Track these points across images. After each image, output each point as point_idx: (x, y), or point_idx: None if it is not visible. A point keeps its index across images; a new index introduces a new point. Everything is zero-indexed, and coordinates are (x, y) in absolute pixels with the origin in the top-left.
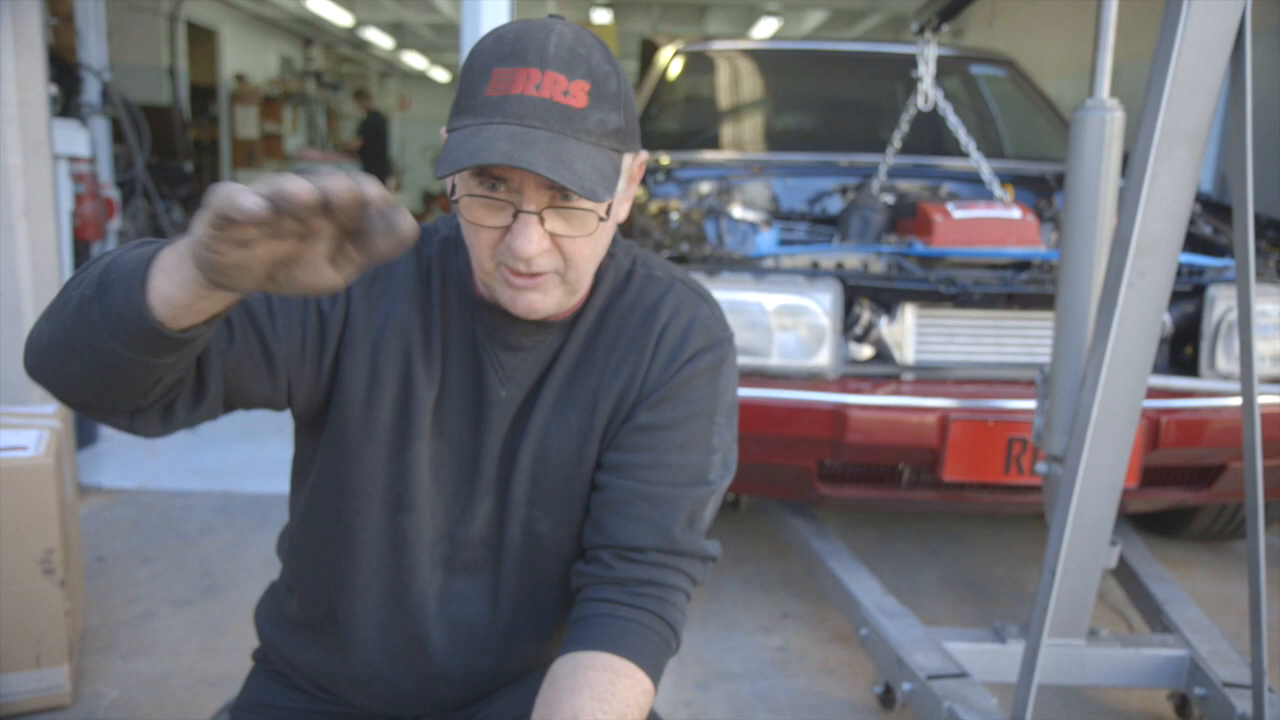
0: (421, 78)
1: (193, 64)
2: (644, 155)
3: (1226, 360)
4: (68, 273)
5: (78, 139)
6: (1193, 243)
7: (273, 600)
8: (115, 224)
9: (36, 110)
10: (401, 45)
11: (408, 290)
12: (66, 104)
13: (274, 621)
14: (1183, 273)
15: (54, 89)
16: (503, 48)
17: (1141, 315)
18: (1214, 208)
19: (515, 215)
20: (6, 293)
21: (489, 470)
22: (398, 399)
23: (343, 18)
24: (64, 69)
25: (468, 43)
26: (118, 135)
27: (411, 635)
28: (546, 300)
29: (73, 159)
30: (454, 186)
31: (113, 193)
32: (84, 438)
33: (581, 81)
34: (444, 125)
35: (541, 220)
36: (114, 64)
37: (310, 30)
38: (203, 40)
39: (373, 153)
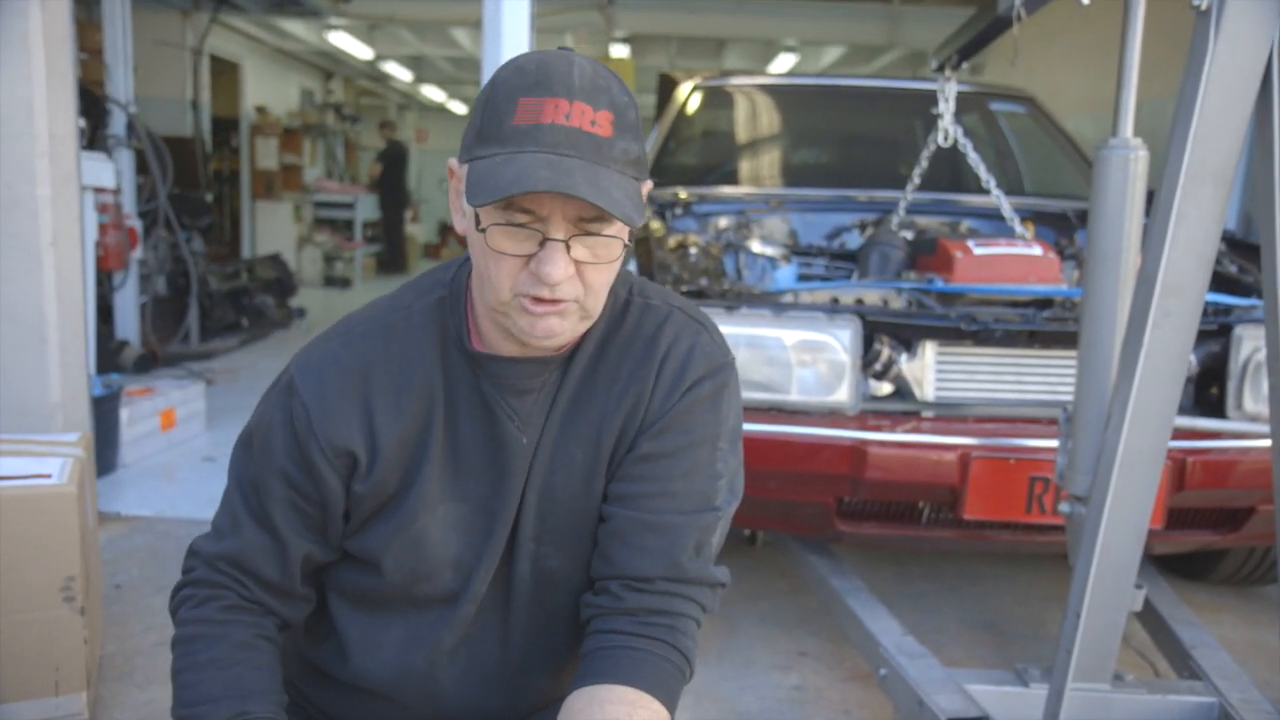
0: (440, 110)
1: (215, 96)
2: (649, 184)
3: (1254, 401)
4: (90, 303)
5: (104, 171)
6: (1219, 282)
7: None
8: (137, 253)
9: (66, 144)
10: (420, 78)
11: (420, 386)
12: (93, 136)
13: (285, 655)
14: (1209, 312)
15: (82, 122)
16: (526, 78)
17: (1167, 355)
18: (1240, 246)
19: (543, 243)
20: (33, 323)
21: (505, 513)
22: (403, 480)
23: (363, 51)
24: (92, 102)
25: (487, 76)
26: (141, 166)
27: (424, 679)
28: (564, 324)
29: (98, 190)
30: (478, 217)
31: (135, 223)
32: (103, 465)
33: (606, 112)
34: (455, 157)
35: (568, 248)
36: (139, 97)
37: (331, 64)
38: (225, 73)
39: (391, 182)
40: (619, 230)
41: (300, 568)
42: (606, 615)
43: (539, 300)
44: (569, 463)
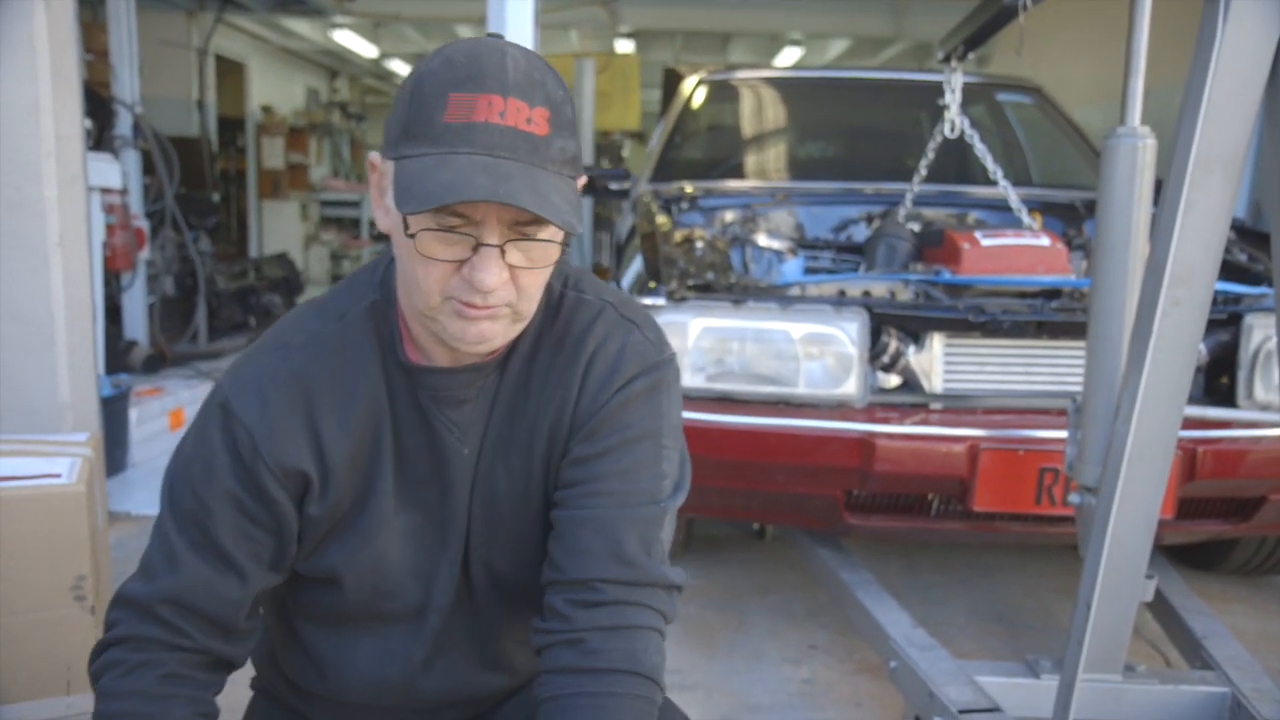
0: None
1: (221, 96)
2: (584, 179)
3: (1265, 390)
4: (99, 303)
5: (110, 171)
6: (1228, 270)
7: (265, 649)
8: (144, 254)
9: (72, 144)
10: None
11: (365, 400)
12: (100, 137)
13: (267, 662)
14: (1218, 301)
15: (88, 123)
16: (456, 70)
17: (1176, 344)
18: (1249, 234)
19: (476, 248)
20: (41, 323)
21: (456, 523)
22: (357, 500)
23: (368, 50)
24: (98, 103)
25: None
26: (148, 167)
27: (402, 691)
28: (496, 328)
29: (105, 190)
30: (406, 221)
31: (143, 223)
32: (113, 465)
33: (542, 108)
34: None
35: (503, 252)
36: (145, 98)
37: (336, 63)
38: (231, 73)
39: None
40: (555, 233)
41: (252, 599)
42: (558, 647)
43: (470, 305)
44: (509, 470)
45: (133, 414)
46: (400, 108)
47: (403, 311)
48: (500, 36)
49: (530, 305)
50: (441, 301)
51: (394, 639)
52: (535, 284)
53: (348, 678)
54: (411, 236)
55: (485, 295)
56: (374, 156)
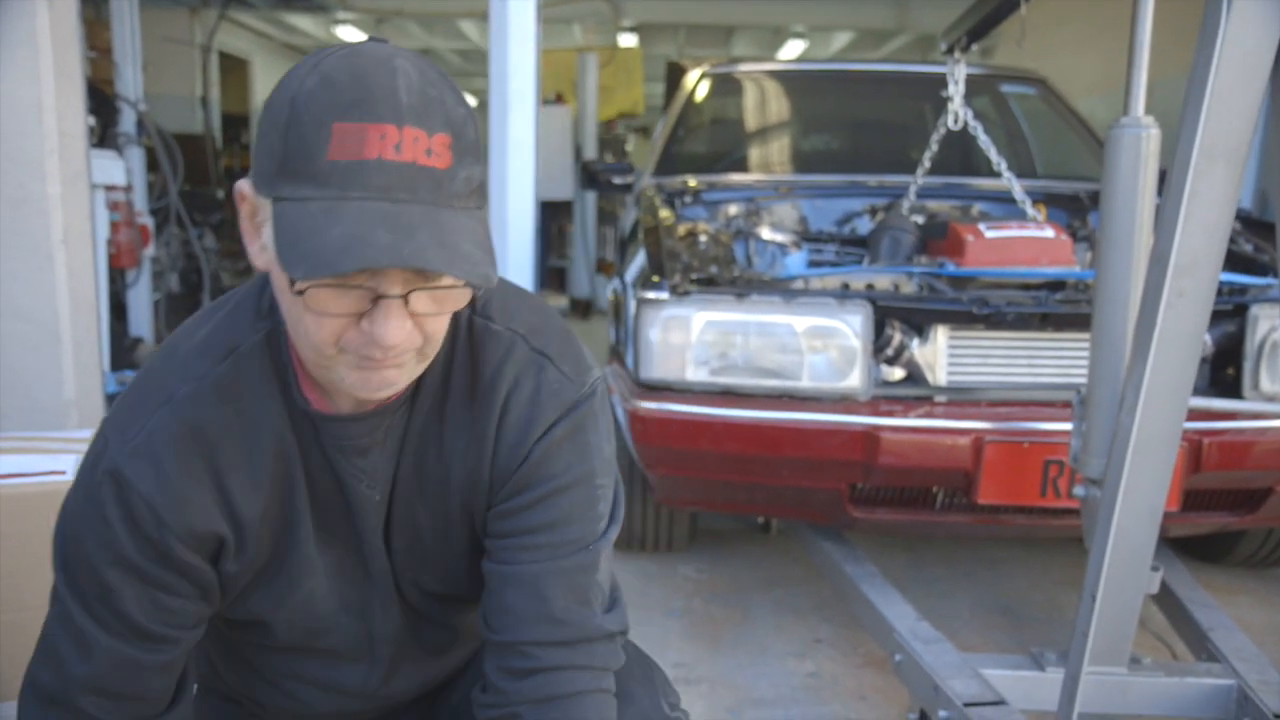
0: None
1: (225, 93)
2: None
3: (1270, 381)
4: (104, 300)
5: (114, 168)
6: (1233, 261)
7: (205, 659)
8: (149, 251)
9: (76, 141)
10: None
11: (272, 448)
12: (104, 134)
13: (208, 668)
14: (1223, 291)
15: (92, 120)
16: (339, 94)
17: (1181, 335)
18: (1255, 225)
19: (375, 300)
20: (45, 320)
21: (378, 559)
22: (276, 550)
23: None
24: (102, 100)
25: (495, 68)
26: (152, 164)
27: (361, 701)
28: (401, 375)
29: (109, 188)
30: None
31: (147, 220)
32: None
33: (442, 134)
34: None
35: (406, 301)
36: (149, 95)
37: None
38: (235, 70)
39: None
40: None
41: (185, 658)
42: None
43: (371, 359)
44: (428, 508)
45: None
46: (272, 135)
47: (296, 350)
48: (385, 41)
49: (437, 346)
50: (337, 353)
51: (342, 669)
52: (443, 326)
53: (303, 696)
54: (300, 292)
55: (387, 350)
56: (243, 186)
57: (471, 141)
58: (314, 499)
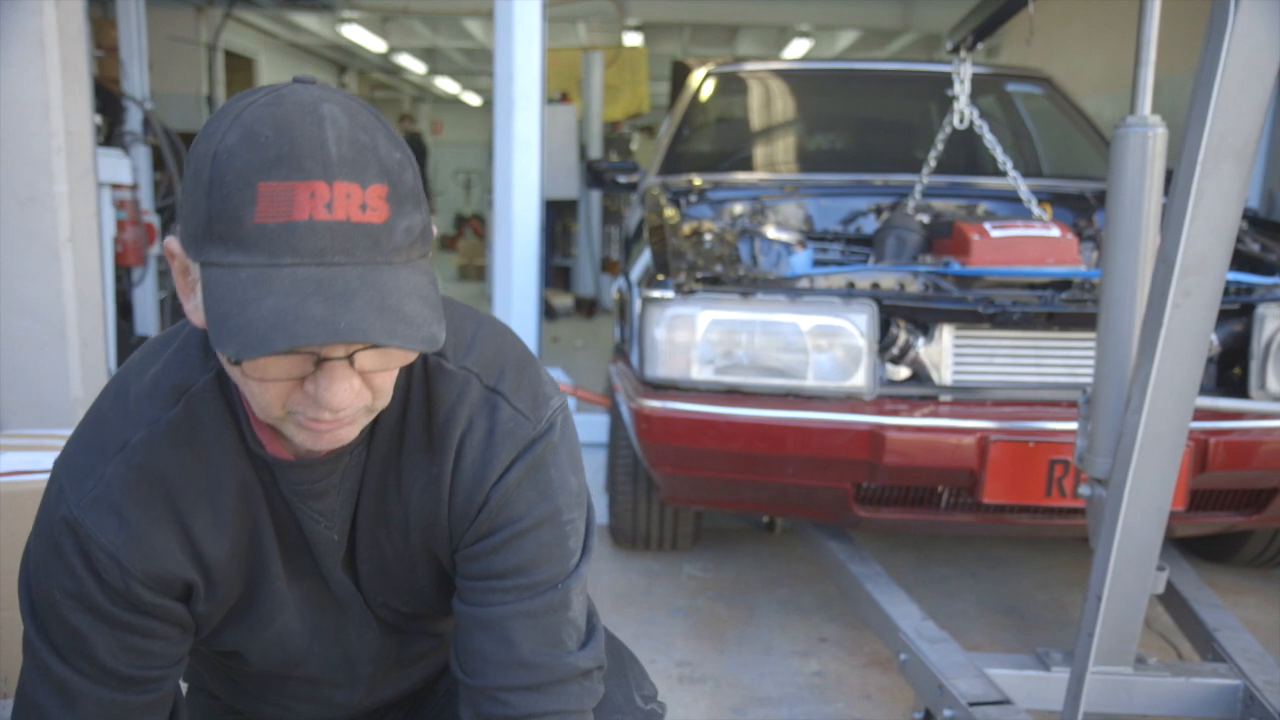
0: (454, 102)
1: (230, 92)
2: (434, 231)
3: (1277, 381)
4: (110, 298)
5: (120, 167)
6: (1240, 260)
7: (191, 669)
8: (155, 249)
9: (82, 140)
10: (434, 70)
11: (235, 490)
12: (110, 133)
13: (193, 675)
14: (1230, 291)
15: (98, 119)
16: (263, 151)
17: (1187, 335)
18: (1262, 224)
19: (318, 363)
20: (52, 318)
21: (344, 588)
22: (247, 589)
23: (376, 44)
24: (108, 99)
25: (501, 68)
26: (158, 163)
27: (346, 712)
28: (352, 431)
29: (115, 186)
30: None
31: (153, 219)
32: None
33: (377, 185)
34: (192, 243)
35: (352, 361)
36: (155, 93)
37: (345, 57)
38: (240, 69)
39: None
40: None
41: (173, 688)
42: None
43: (318, 421)
44: (391, 542)
45: None
46: (196, 194)
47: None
48: (312, 80)
49: (387, 398)
50: (285, 415)
51: (323, 691)
52: (391, 380)
53: (289, 706)
54: (237, 361)
55: (336, 411)
56: (172, 245)
57: (410, 188)
58: (280, 536)
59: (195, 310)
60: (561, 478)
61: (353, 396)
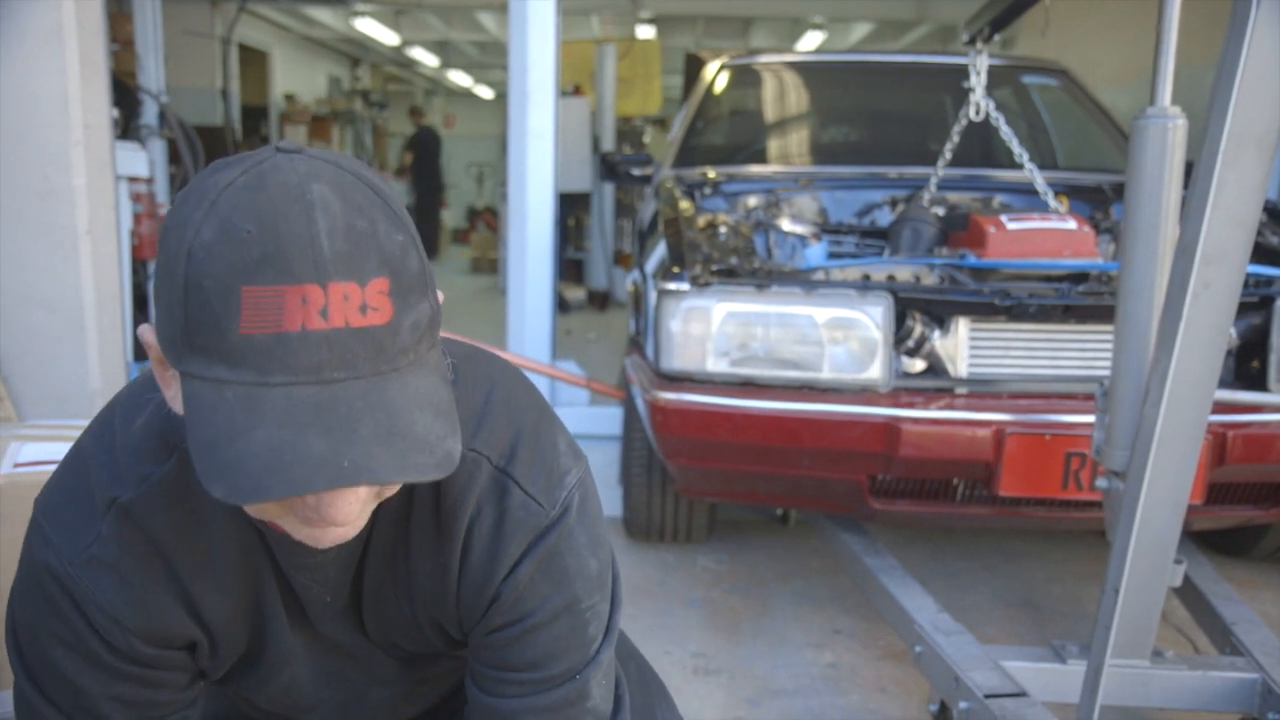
0: (467, 95)
1: (244, 85)
2: (440, 308)
3: None
4: (128, 291)
5: (137, 160)
6: (1260, 253)
7: None
8: None
9: (100, 133)
10: (447, 64)
11: (235, 550)
12: (126, 126)
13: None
14: (1250, 283)
15: (115, 112)
16: (244, 250)
17: (1207, 327)
18: None
19: None
20: (71, 310)
21: (349, 638)
22: (253, 642)
23: (390, 37)
24: (124, 93)
25: (515, 61)
26: (174, 156)
27: None
28: (359, 527)
29: (132, 179)
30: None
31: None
32: None
33: (378, 280)
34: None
35: None
36: (171, 87)
37: (358, 50)
38: (254, 62)
39: (424, 169)
40: None
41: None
42: None
43: (322, 523)
44: (397, 612)
45: None
46: (170, 295)
47: None
48: (297, 148)
49: (393, 492)
50: (284, 514)
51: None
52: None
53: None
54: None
55: (341, 525)
56: (148, 335)
57: (415, 274)
58: (283, 591)
59: (175, 399)
60: (579, 564)
61: (359, 509)
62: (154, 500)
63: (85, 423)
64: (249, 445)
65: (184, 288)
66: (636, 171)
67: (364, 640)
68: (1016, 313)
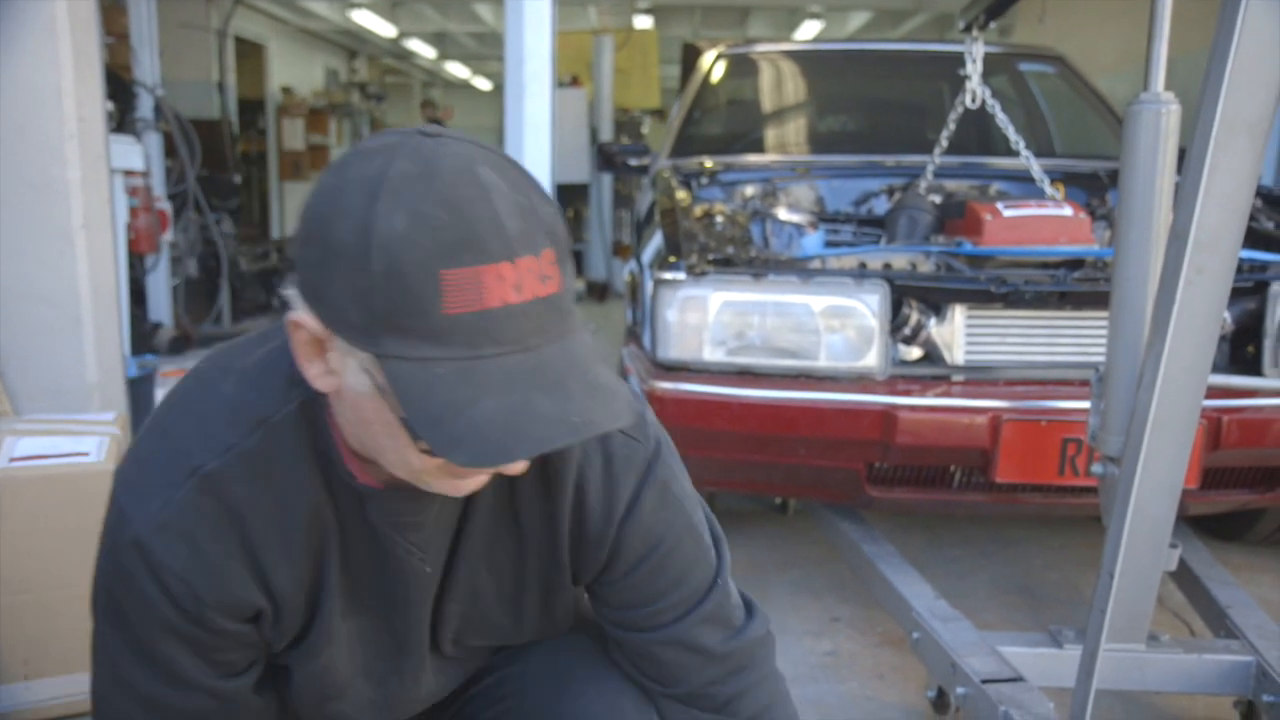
0: (465, 86)
1: (241, 78)
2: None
3: None
4: (124, 284)
5: (132, 154)
6: (1254, 238)
7: None
8: (168, 236)
9: (94, 126)
10: (444, 55)
11: (309, 525)
12: (122, 120)
13: None
14: (1243, 268)
15: (110, 105)
16: (440, 235)
17: (1200, 312)
18: (1276, 201)
19: None
20: (67, 304)
21: (416, 629)
22: (305, 619)
23: (386, 29)
24: (119, 86)
25: (511, 52)
26: (170, 149)
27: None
28: (486, 476)
29: (128, 173)
30: (412, 429)
31: (165, 205)
32: None
33: (548, 251)
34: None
35: None
36: (166, 80)
37: (355, 42)
38: (251, 55)
39: None
40: None
41: (259, 683)
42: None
43: (460, 475)
44: (496, 577)
45: (158, 394)
46: (359, 281)
47: (340, 427)
48: (440, 130)
49: None
50: (436, 471)
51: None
52: None
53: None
54: (426, 451)
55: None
56: (304, 319)
57: (563, 239)
58: (346, 571)
59: (326, 375)
60: (681, 488)
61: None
62: (233, 471)
63: (81, 417)
64: (481, 413)
65: (384, 275)
66: (633, 162)
67: (425, 635)
68: (1012, 299)
